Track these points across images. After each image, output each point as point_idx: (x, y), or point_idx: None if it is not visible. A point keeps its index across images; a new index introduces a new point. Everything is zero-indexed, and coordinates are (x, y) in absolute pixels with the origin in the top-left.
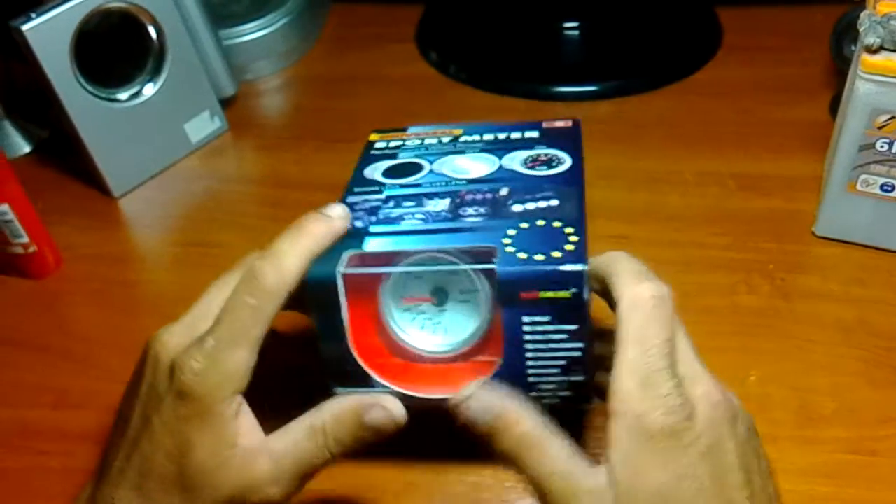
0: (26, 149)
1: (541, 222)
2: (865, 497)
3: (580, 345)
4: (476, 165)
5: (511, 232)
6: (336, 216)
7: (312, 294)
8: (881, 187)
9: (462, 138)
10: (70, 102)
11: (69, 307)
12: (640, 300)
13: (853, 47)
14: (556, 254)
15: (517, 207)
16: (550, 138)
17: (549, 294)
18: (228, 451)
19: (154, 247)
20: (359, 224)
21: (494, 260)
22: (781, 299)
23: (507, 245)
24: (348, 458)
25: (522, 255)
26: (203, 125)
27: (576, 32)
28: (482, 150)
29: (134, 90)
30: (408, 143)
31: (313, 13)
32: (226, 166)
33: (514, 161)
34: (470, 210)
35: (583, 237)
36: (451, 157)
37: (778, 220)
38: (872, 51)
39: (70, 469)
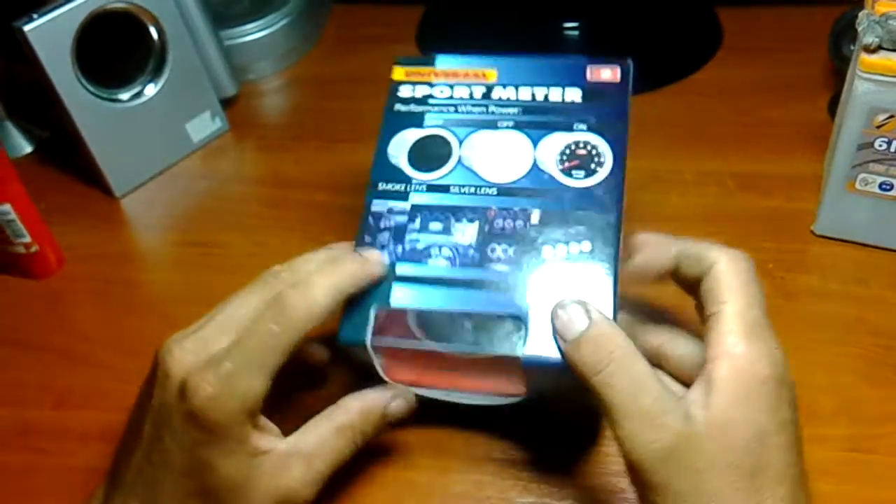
0: (28, 149)
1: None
2: (864, 494)
3: None
4: (509, 157)
5: (538, 299)
6: (373, 261)
7: (342, 350)
8: (880, 186)
9: (495, 92)
10: (71, 102)
11: (71, 307)
12: (738, 260)
13: (852, 47)
14: None
15: (548, 251)
16: (593, 104)
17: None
18: (253, 461)
19: (155, 246)
20: (385, 258)
21: (519, 343)
22: (781, 298)
23: (532, 321)
24: None
25: (546, 343)
26: (204, 125)
27: (576, 32)
28: (516, 125)
29: (135, 90)
30: (435, 94)
31: (314, 14)
32: (227, 166)
33: (550, 156)
34: (498, 250)
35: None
36: (481, 133)
37: (777, 220)
38: (871, 50)
39: (70, 468)
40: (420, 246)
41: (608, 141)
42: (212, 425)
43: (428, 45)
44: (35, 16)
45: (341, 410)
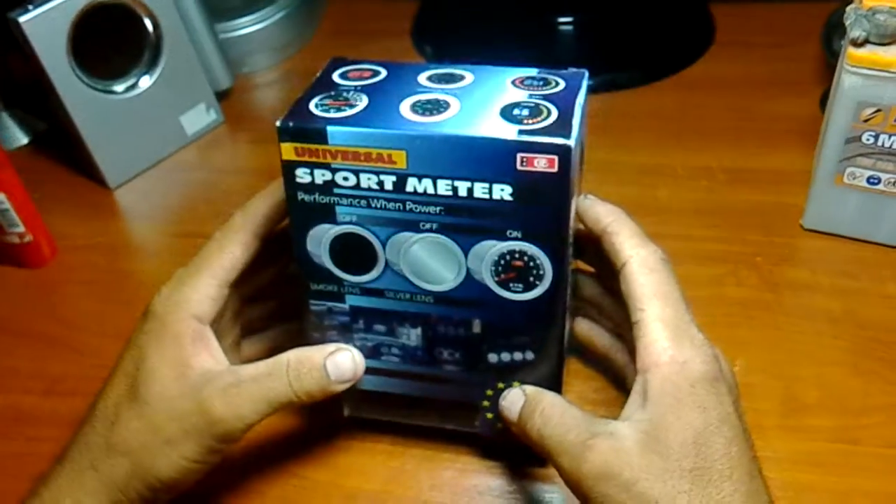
0: (24, 140)
1: (516, 385)
2: (848, 485)
3: None
4: (438, 265)
5: (489, 392)
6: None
7: None
8: (867, 180)
9: (408, 184)
10: (67, 94)
11: (64, 296)
12: (652, 260)
13: (843, 42)
14: None
15: (492, 358)
16: (527, 206)
17: None
18: (184, 368)
19: (149, 237)
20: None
21: (477, 424)
22: (769, 291)
23: (486, 409)
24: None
25: (500, 426)
26: (199, 117)
27: (570, 27)
28: (440, 228)
29: (130, 82)
30: (339, 181)
31: (310, 7)
32: (221, 158)
33: (483, 266)
34: (445, 353)
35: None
36: (403, 234)
37: (767, 213)
38: (858, 44)
39: None
40: (369, 344)
41: (546, 250)
42: (158, 316)
43: (423, 39)
44: (31, 7)
45: (281, 355)
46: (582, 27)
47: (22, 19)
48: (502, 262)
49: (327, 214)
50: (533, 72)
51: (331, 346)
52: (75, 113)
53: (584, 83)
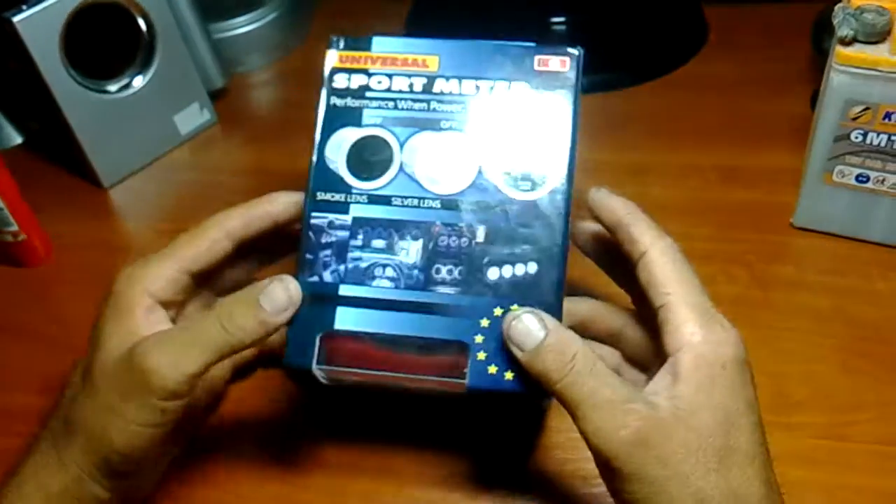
0: (18, 140)
1: (515, 308)
2: (837, 481)
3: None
4: (452, 164)
5: (484, 323)
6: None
7: (289, 373)
8: (856, 178)
9: (437, 84)
10: (60, 94)
11: (58, 295)
12: (672, 249)
13: (832, 41)
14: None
15: (493, 274)
16: (541, 96)
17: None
18: (131, 337)
19: (143, 237)
20: (328, 277)
21: (465, 372)
22: (759, 289)
23: (478, 346)
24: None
25: (492, 370)
26: (192, 117)
27: (563, 27)
28: (459, 125)
29: (124, 82)
30: (372, 85)
31: (304, 7)
32: (215, 158)
33: (494, 163)
34: (443, 271)
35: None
36: (423, 134)
37: (758, 212)
38: (846, 43)
39: None
40: (363, 265)
41: (556, 142)
42: (116, 292)
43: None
44: (24, 7)
45: (217, 303)
46: (576, 27)
47: (16, 19)
48: (512, 157)
49: (354, 117)
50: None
51: (263, 282)
52: (69, 112)
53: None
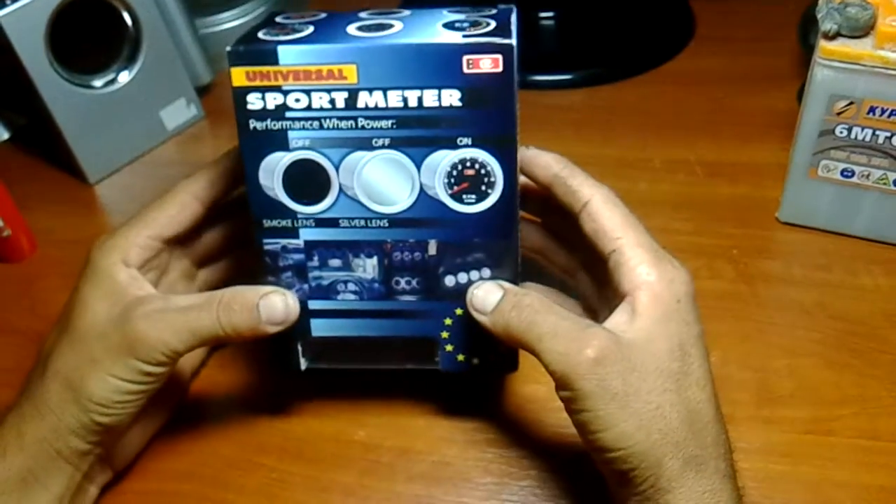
0: (4, 135)
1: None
2: (821, 475)
3: None
4: (392, 184)
5: (448, 322)
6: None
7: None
8: (841, 173)
9: (360, 99)
10: (45, 89)
11: (43, 291)
12: (612, 197)
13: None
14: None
15: (449, 281)
16: (475, 109)
17: None
18: (116, 297)
19: None
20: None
21: (437, 360)
22: (744, 283)
23: (445, 340)
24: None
25: (461, 357)
26: (179, 113)
27: (551, 22)
28: (392, 143)
29: (109, 77)
30: (290, 103)
31: (292, 2)
32: (201, 154)
33: (436, 180)
34: (402, 283)
35: None
36: (356, 154)
37: (743, 207)
38: (830, 37)
39: None
40: (325, 283)
41: (497, 155)
42: (92, 259)
43: None
44: (8, 2)
45: (217, 291)
46: (563, 22)
47: (0, 14)
48: (454, 172)
49: (279, 141)
50: (461, 16)
51: (267, 288)
52: (54, 108)
53: (514, 17)
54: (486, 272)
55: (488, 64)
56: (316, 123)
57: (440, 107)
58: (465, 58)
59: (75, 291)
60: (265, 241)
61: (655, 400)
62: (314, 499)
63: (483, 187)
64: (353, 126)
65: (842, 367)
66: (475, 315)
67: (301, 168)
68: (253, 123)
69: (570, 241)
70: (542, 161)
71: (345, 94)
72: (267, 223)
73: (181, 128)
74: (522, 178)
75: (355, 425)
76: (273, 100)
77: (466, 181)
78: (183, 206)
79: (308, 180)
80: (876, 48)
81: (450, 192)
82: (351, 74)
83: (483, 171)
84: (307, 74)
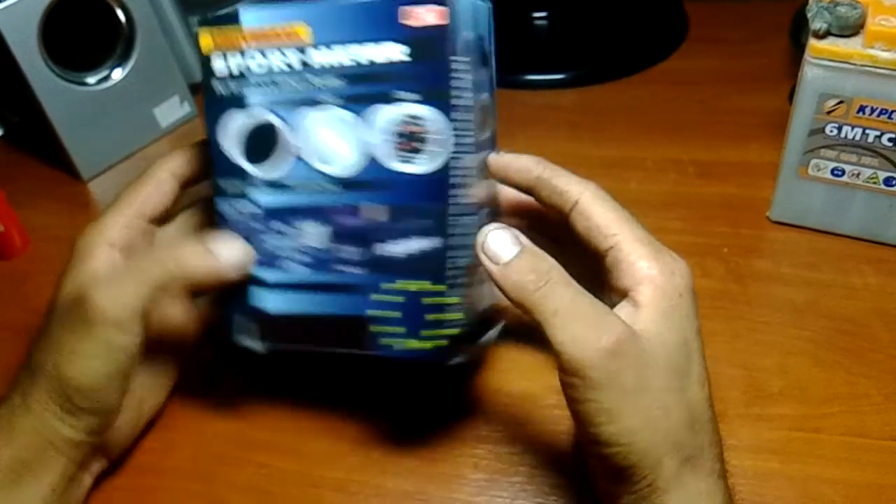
0: None
1: (413, 287)
2: (810, 472)
3: None
4: (341, 144)
5: (383, 298)
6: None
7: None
8: (832, 172)
9: (313, 56)
10: (38, 86)
11: (36, 288)
12: (602, 192)
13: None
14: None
15: (396, 248)
16: (419, 63)
17: None
18: (86, 280)
19: None
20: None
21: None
22: (734, 282)
23: (377, 320)
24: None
25: (392, 341)
26: (172, 110)
27: (544, 22)
28: (340, 100)
29: (103, 74)
30: (251, 66)
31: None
32: None
33: (382, 138)
34: (349, 252)
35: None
36: (307, 115)
37: (734, 206)
38: (820, 36)
39: None
40: (272, 250)
41: (440, 109)
42: (74, 250)
43: None
44: None
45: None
46: (556, 22)
47: None
48: (399, 130)
49: (239, 103)
50: None
51: (220, 234)
52: (48, 105)
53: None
54: (435, 241)
55: (428, 17)
56: (272, 84)
57: (387, 63)
58: (400, 9)
59: (59, 287)
60: (218, 200)
61: (663, 398)
62: (304, 494)
63: (426, 145)
64: (306, 85)
65: (831, 365)
66: (483, 260)
67: (258, 132)
68: (216, 86)
69: (558, 240)
70: (521, 164)
71: (298, 55)
72: (222, 183)
73: (174, 125)
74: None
75: (346, 421)
76: (236, 64)
77: (410, 139)
78: (159, 182)
79: (262, 142)
80: (865, 47)
81: (394, 151)
82: (305, 33)
83: (427, 128)
84: (265, 36)
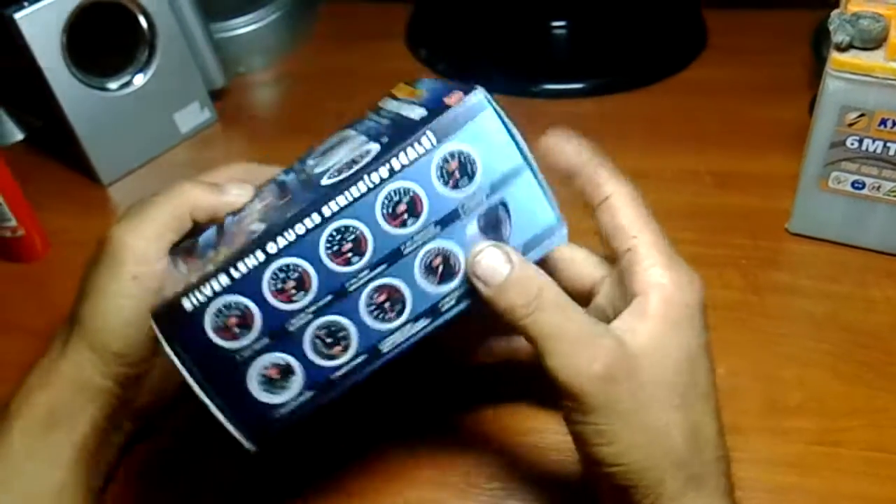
0: (19, 136)
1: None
2: (828, 487)
3: None
4: None
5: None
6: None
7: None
8: (852, 184)
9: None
10: (61, 91)
11: (55, 291)
12: (634, 193)
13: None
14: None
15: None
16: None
17: None
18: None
19: None
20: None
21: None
22: (753, 294)
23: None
24: None
25: None
26: (192, 116)
27: (563, 31)
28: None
29: (125, 80)
30: None
31: (305, 9)
32: (214, 157)
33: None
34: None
35: None
36: None
37: (753, 217)
38: (842, 49)
39: None
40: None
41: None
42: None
43: (417, 42)
44: (26, 3)
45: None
46: (575, 31)
47: (17, 15)
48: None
49: None
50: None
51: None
52: (70, 110)
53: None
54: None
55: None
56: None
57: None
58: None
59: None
60: None
61: (663, 417)
62: None
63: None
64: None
65: (851, 378)
66: (476, 283)
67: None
68: None
69: None
70: (572, 147)
71: None
72: None
73: (194, 131)
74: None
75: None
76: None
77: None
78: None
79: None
80: (888, 60)
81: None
82: None
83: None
84: None
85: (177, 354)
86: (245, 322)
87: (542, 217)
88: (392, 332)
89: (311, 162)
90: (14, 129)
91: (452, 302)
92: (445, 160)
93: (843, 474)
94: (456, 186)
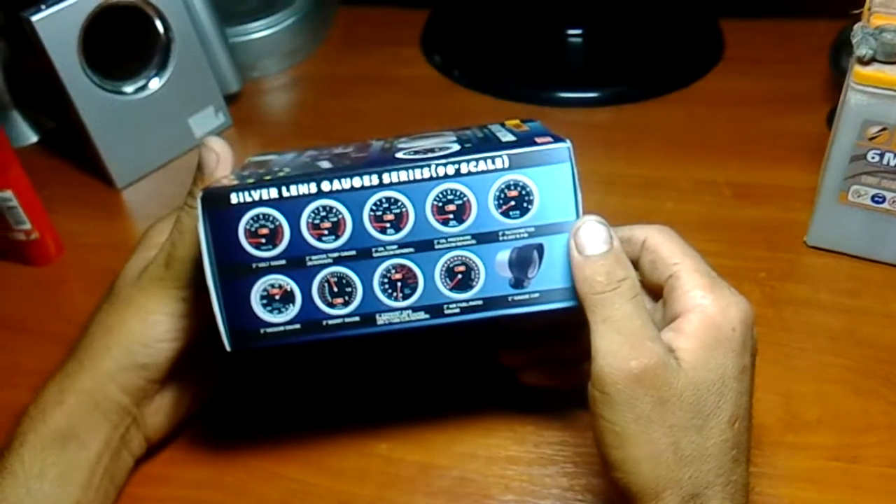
0: (34, 138)
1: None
2: (847, 503)
3: None
4: None
5: None
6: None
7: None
8: (872, 198)
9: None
10: (76, 94)
11: (69, 294)
12: (666, 230)
13: (850, 60)
14: None
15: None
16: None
17: None
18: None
19: None
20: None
21: None
22: (771, 307)
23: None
24: None
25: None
26: (207, 120)
27: (579, 39)
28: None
29: (140, 84)
30: None
31: (320, 14)
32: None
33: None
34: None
35: None
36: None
37: (771, 229)
38: (864, 62)
39: None
40: None
41: None
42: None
43: (432, 48)
44: (43, 6)
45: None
46: (591, 39)
47: (34, 18)
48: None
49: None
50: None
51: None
52: (85, 113)
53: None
54: None
55: None
56: None
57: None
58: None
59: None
60: None
61: (676, 434)
62: None
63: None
64: None
65: (869, 394)
66: (570, 244)
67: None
68: None
69: None
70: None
71: None
72: None
73: (209, 135)
74: None
75: (377, 438)
76: None
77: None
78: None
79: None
80: None
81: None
82: None
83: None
84: None
85: (206, 236)
86: (273, 238)
87: (567, 278)
88: (391, 310)
89: (401, 140)
90: (28, 131)
91: (457, 310)
92: (508, 185)
93: (861, 491)
94: (507, 213)
